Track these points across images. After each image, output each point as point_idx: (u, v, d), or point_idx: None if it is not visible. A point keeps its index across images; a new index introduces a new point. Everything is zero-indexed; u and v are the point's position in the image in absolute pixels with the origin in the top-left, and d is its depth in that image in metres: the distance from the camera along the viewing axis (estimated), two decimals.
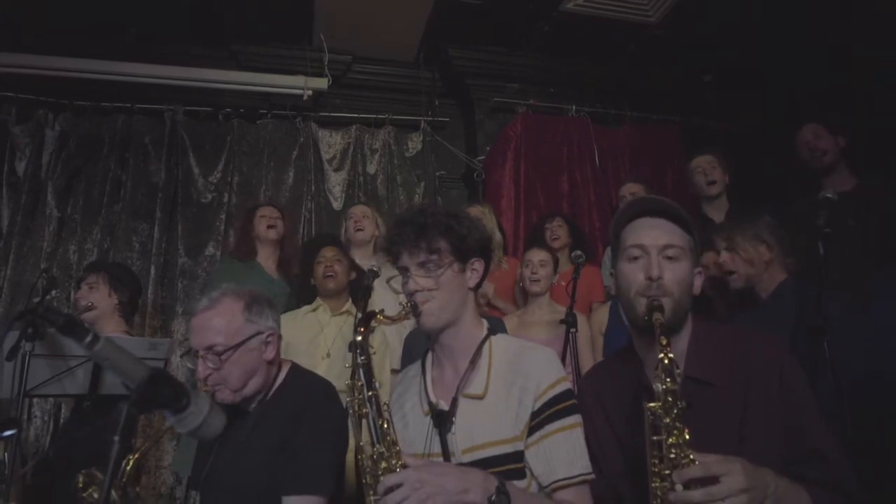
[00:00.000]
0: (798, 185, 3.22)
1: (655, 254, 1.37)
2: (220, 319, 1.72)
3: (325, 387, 1.87)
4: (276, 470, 1.66)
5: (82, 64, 3.98)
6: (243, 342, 1.72)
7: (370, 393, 1.26)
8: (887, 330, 2.26)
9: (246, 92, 4.29)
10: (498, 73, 4.66)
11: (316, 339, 2.98)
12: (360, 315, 2.52)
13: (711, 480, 1.08)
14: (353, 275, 3.16)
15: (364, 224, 3.57)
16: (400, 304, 1.45)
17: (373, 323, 1.33)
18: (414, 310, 1.43)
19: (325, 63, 4.36)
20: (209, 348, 1.69)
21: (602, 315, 3.14)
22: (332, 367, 2.84)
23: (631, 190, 3.77)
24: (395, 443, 1.26)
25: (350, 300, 3.14)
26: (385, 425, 1.25)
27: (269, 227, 3.49)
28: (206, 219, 4.25)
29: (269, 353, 1.81)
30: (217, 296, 1.77)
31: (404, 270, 1.49)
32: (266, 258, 3.53)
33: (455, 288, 1.48)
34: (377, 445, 1.24)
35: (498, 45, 4.56)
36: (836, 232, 2.22)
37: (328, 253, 3.10)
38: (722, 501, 1.06)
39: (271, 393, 1.83)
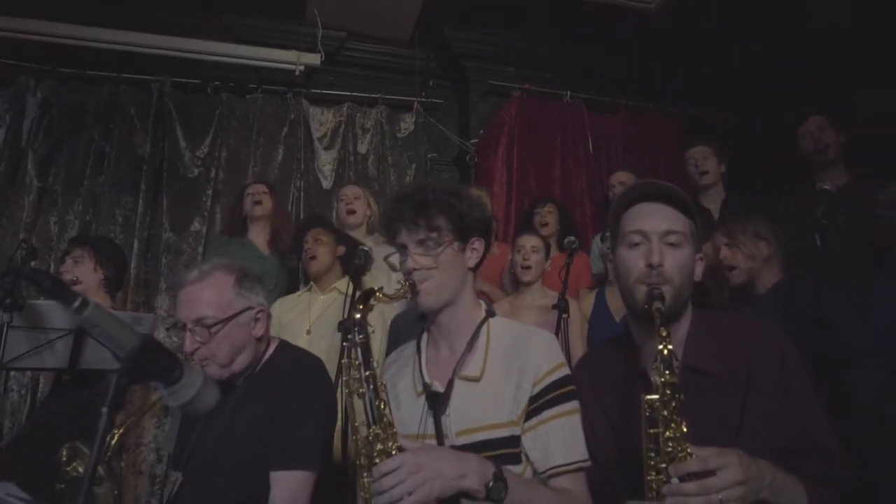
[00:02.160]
0: (792, 178, 3.23)
1: (656, 240, 1.34)
2: (210, 292, 1.68)
3: (313, 362, 1.85)
4: (263, 445, 1.64)
5: (67, 29, 3.85)
6: (233, 316, 1.69)
7: (367, 373, 1.22)
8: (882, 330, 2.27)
9: (236, 65, 4.18)
10: (494, 56, 4.59)
11: (301, 316, 2.96)
12: (350, 290, 2.52)
13: (708, 474, 1.07)
14: (342, 249, 3.11)
15: (356, 206, 3.51)
16: (398, 282, 1.41)
17: (371, 301, 1.29)
18: (412, 288, 1.39)
19: (319, 38, 4.25)
20: (198, 321, 1.65)
21: (588, 302, 3.15)
22: (311, 344, 2.80)
23: (620, 179, 3.80)
24: (391, 424, 1.23)
25: (344, 277, 3.09)
26: (382, 406, 1.22)
27: (256, 203, 3.49)
28: (193, 194, 4.15)
29: (259, 330, 1.78)
30: (208, 268, 1.73)
31: (402, 248, 1.46)
32: (257, 235, 3.52)
33: (454, 267, 1.45)
34: (373, 427, 1.21)
35: (495, 27, 4.49)
36: (830, 226, 2.23)
37: (310, 237, 3.07)
38: (717, 494, 1.05)
39: (258, 368, 1.80)
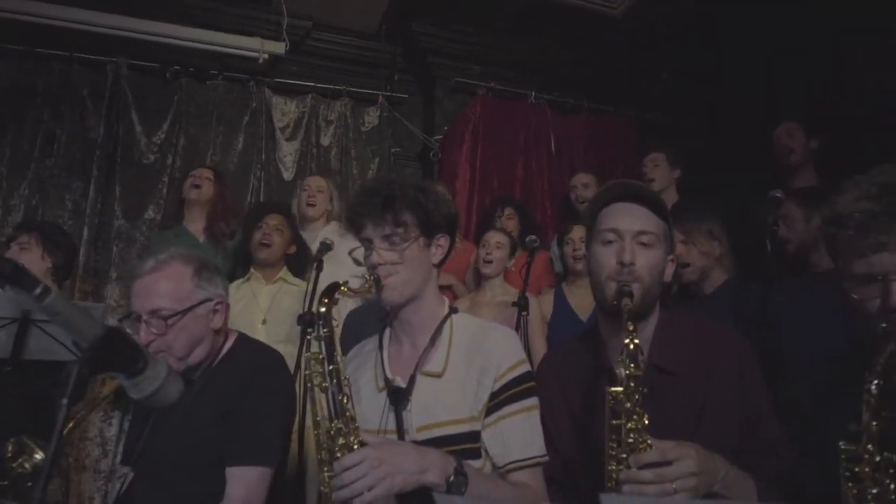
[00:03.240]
0: (748, 184, 3.34)
1: (629, 239, 1.38)
2: (167, 283, 1.64)
3: (272, 356, 1.83)
4: (220, 440, 1.60)
5: (16, 4, 3.66)
6: (191, 308, 1.65)
7: (331, 367, 1.22)
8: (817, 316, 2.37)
9: (197, 50, 4.04)
10: (461, 53, 4.59)
11: (250, 306, 2.90)
12: (310, 286, 2.49)
13: (665, 464, 1.10)
14: (293, 249, 3.06)
15: (317, 199, 3.46)
16: (363, 276, 1.41)
17: (336, 295, 1.28)
18: (376, 283, 1.39)
19: (284, 27, 4.16)
20: (154, 312, 1.60)
21: (546, 302, 3.18)
22: (270, 333, 2.79)
23: (582, 181, 3.88)
24: (353, 419, 1.22)
25: (285, 267, 3.05)
26: (345, 401, 1.22)
27: (194, 186, 3.34)
28: (148, 181, 4.02)
29: (217, 322, 1.74)
30: (165, 258, 1.68)
31: (367, 242, 1.45)
32: (193, 221, 3.39)
33: (419, 263, 1.46)
34: (335, 421, 1.20)
35: (463, 25, 4.49)
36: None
37: (271, 221, 2.99)
38: (671, 483, 1.09)
39: (216, 362, 1.77)
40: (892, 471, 0.97)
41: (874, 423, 0.97)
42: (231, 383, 1.68)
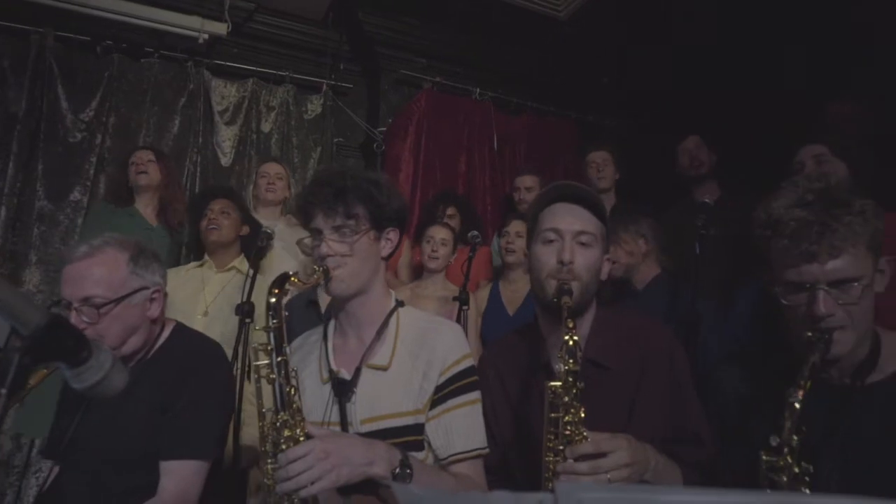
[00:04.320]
0: (672, 190, 3.50)
1: (569, 239, 1.43)
2: (101, 269, 1.57)
3: (211, 347, 1.79)
4: (155, 433, 1.56)
5: None
6: (126, 296, 1.59)
7: (280, 358, 1.20)
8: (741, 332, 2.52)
9: (132, 25, 3.83)
10: (407, 45, 4.57)
11: (196, 295, 2.80)
12: (250, 272, 2.43)
13: (600, 455, 1.16)
14: (246, 229, 2.99)
15: (277, 185, 3.44)
16: (314, 267, 1.39)
17: (287, 286, 1.26)
18: (325, 274, 1.38)
19: (226, 7, 4.01)
20: (85, 300, 1.53)
21: (481, 297, 3.23)
22: (209, 326, 2.68)
23: (526, 183, 3.89)
24: (299, 411, 1.22)
25: (242, 255, 2.98)
26: (292, 392, 1.20)
27: (140, 173, 3.25)
28: (74, 160, 3.79)
29: (154, 311, 1.68)
30: (99, 244, 1.60)
31: (317, 233, 1.44)
32: (145, 205, 3.29)
33: (368, 256, 1.46)
34: (281, 413, 1.19)
35: (410, 17, 4.47)
36: (707, 235, 2.45)
37: (216, 206, 2.92)
38: (606, 474, 1.15)
39: (152, 353, 1.71)
40: (808, 479, 1.06)
41: (794, 437, 1.05)
42: (167, 375, 1.63)
